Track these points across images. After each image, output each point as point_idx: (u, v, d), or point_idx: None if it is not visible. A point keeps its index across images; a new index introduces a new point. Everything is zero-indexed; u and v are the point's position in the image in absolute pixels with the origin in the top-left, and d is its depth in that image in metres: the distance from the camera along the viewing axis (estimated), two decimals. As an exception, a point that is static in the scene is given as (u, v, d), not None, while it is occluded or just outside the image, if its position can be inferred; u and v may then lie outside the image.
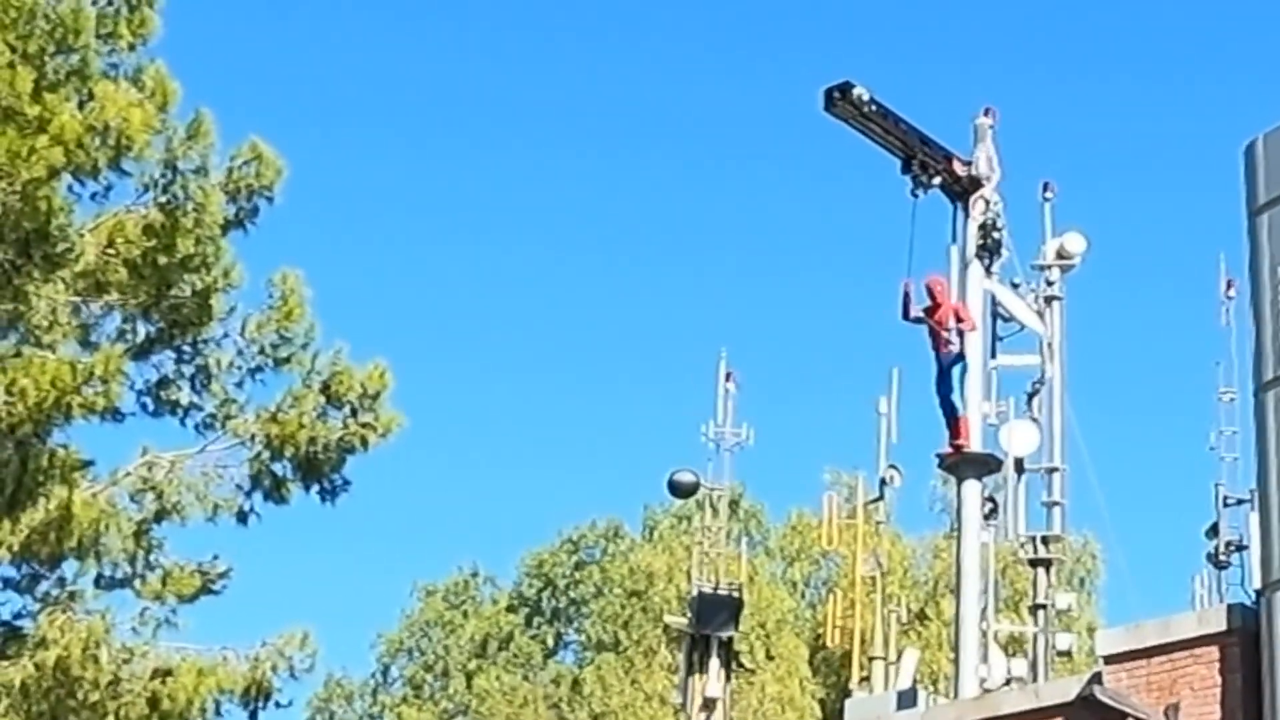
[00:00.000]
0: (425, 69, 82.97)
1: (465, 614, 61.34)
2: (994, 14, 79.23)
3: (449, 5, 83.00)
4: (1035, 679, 22.26)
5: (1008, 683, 21.80)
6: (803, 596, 51.16)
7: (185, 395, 26.03)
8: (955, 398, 22.17)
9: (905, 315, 22.40)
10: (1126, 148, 76.72)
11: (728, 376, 31.10)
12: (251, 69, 77.55)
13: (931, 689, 29.31)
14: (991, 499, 22.77)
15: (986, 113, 23.72)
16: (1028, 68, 76.51)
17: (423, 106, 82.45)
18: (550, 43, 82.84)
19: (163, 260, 24.43)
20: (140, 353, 25.56)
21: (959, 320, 22.31)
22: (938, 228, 23.43)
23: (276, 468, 25.80)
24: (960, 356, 22.20)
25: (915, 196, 22.85)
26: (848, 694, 28.68)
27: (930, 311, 22.30)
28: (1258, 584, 18.45)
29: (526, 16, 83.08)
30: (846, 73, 22.40)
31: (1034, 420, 23.18)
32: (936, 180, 22.88)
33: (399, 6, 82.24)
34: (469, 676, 58.56)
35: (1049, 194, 24.39)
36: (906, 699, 22.15)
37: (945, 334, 22.23)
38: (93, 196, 24.56)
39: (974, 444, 22.27)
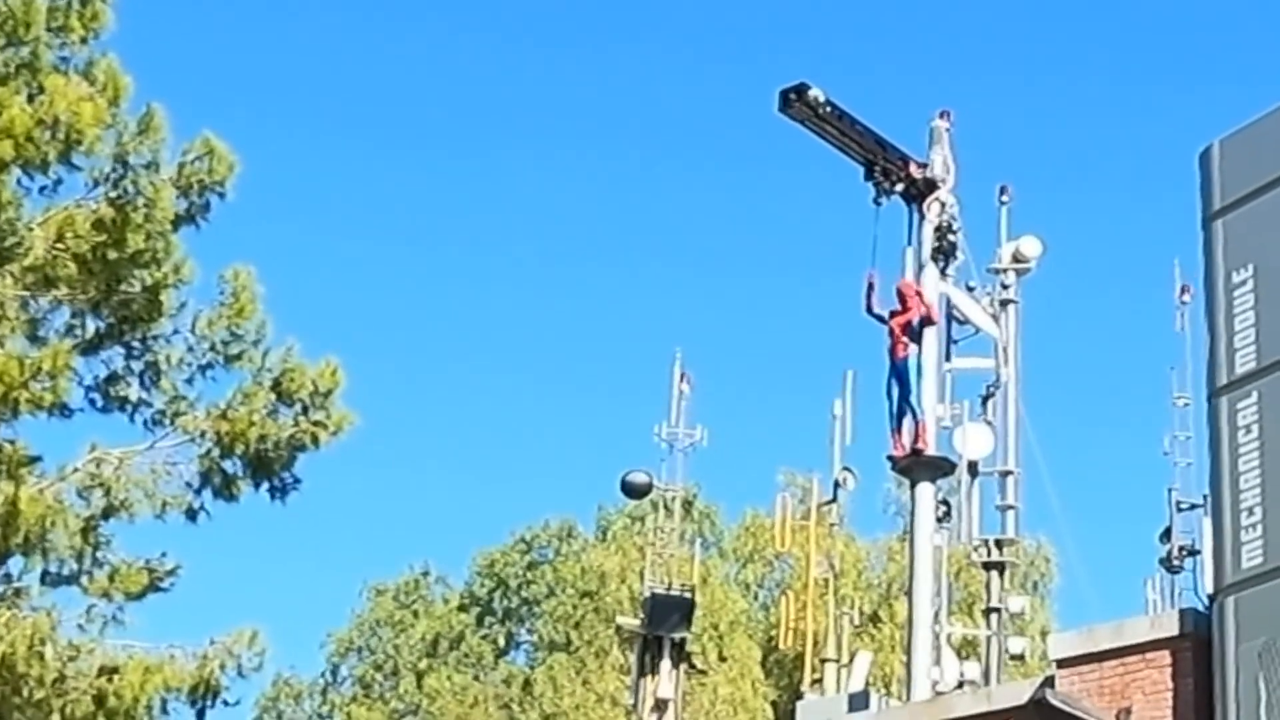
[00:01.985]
0: (378, 63, 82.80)
1: (416, 613, 61.16)
2: (951, 16, 79.40)
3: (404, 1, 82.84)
4: (988, 682, 22.25)
5: (960, 686, 21.78)
6: (756, 598, 51.12)
7: (134, 391, 25.86)
8: (914, 401, 22.15)
9: (868, 308, 22.40)
10: (1083, 152, 76.96)
11: (682, 377, 31.01)
12: (204, 63, 77.27)
13: (884, 691, 29.32)
14: (945, 502, 22.76)
15: (943, 115, 23.71)
16: (985, 71, 76.70)
17: (376, 102, 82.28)
18: (503, 41, 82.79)
19: (113, 255, 24.28)
20: (89, 348, 25.38)
21: (927, 322, 22.30)
22: (893, 230, 23.43)
23: (227, 465, 25.64)
24: (918, 362, 22.20)
25: (878, 204, 22.89)
26: (800, 696, 28.60)
27: (895, 314, 22.29)
28: (1210, 589, 18.47)
29: (479, 12, 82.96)
30: (802, 74, 22.41)
31: (988, 423, 23.18)
32: (899, 187, 22.88)
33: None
34: (419, 676, 58.38)
35: (1005, 197, 24.38)
36: (859, 701, 22.14)
37: (903, 339, 22.24)
38: (42, 190, 24.46)
39: (928, 446, 22.25)
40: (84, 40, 24.54)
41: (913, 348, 22.38)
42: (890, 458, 22.59)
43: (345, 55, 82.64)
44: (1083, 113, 78.62)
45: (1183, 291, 26.25)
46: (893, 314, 22.39)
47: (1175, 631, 18.09)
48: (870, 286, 22.39)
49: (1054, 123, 77.33)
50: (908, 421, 22.23)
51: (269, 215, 67.93)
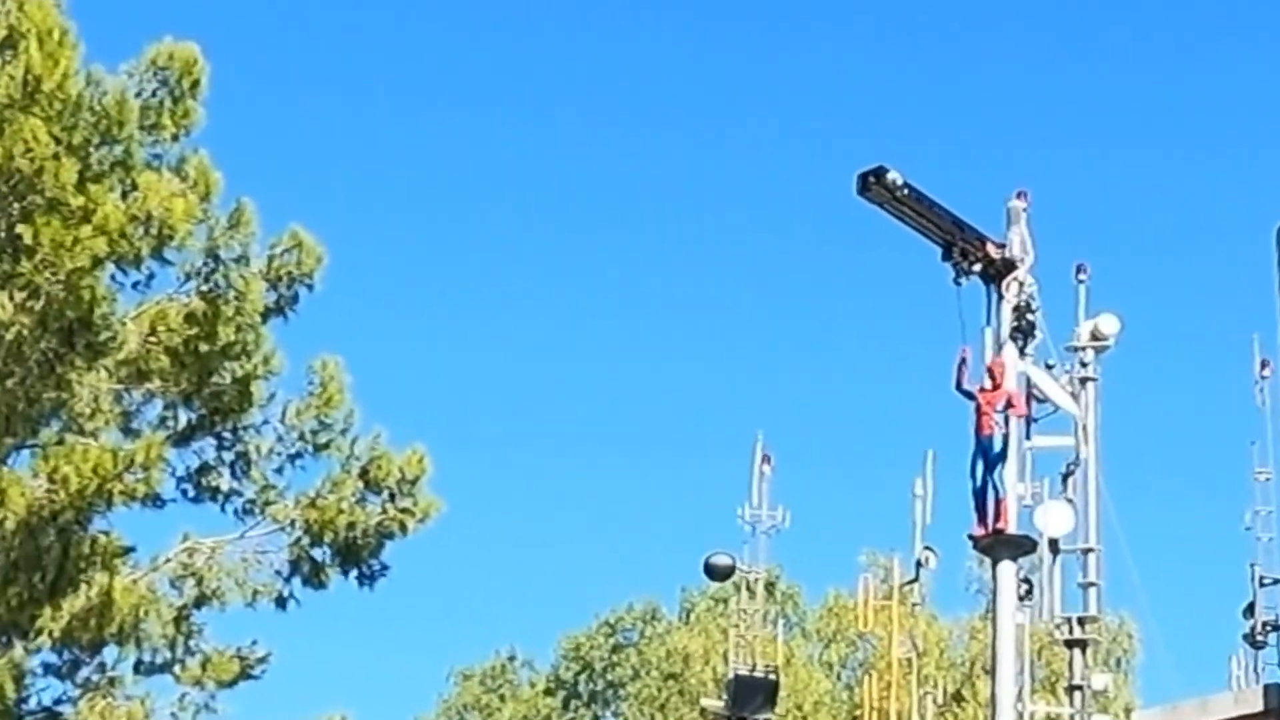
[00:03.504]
0: (460, 154, 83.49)
1: (503, 697, 61.30)
2: (1025, 97, 79.55)
3: (487, 89, 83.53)
4: (1073, 760, 22.25)
5: (1045, 763, 21.80)
6: (839, 678, 51.02)
7: (225, 481, 26.27)
8: (996, 477, 22.28)
9: (958, 385, 22.55)
10: (1159, 228, 76.78)
11: (764, 459, 31.21)
12: (291, 155, 78.12)
13: (969, 770, 29.30)
14: (1027, 580, 22.79)
15: (1019, 195, 23.86)
16: (1059, 150, 76.68)
17: (460, 191, 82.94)
18: (586, 123, 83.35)
19: (204, 348, 24.70)
20: (181, 439, 25.80)
21: (1010, 406, 22.44)
22: (972, 310, 23.58)
23: (315, 553, 25.99)
24: (1005, 440, 22.31)
25: (958, 284, 22.97)
26: (886, 776, 28.66)
27: (984, 391, 22.45)
28: (1294, 664, 18.52)
29: (560, 96, 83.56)
30: (880, 156, 22.57)
31: (1069, 501, 23.23)
32: (977, 267, 23.00)
33: (439, 91, 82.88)
34: (507, 760, 58.52)
35: (1082, 275, 24.49)
36: (945, 780, 22.15)
37: (991, 416, 22.36)
38: (135, 285, 24.95)
39: (1009, 524, 22.35)
40: (175, 137, 25.06)
41: (999, 425, 22.51)
42: (971, 537, 22.70)
43: (433, 142, 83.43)
44: (1158, 189, 78.54)
45: (1262, 366, 26.31)
46: (981, 390, 22.54)
47: (1260, 707, 18.17)
48: (963, 362, 22.55)
49: (1130, 199, 77.29)
50: (990, 498, 22.34)
51: (355, 304, 68.57)
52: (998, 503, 22.17)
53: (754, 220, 79.51)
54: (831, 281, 76.80)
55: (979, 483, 22.32)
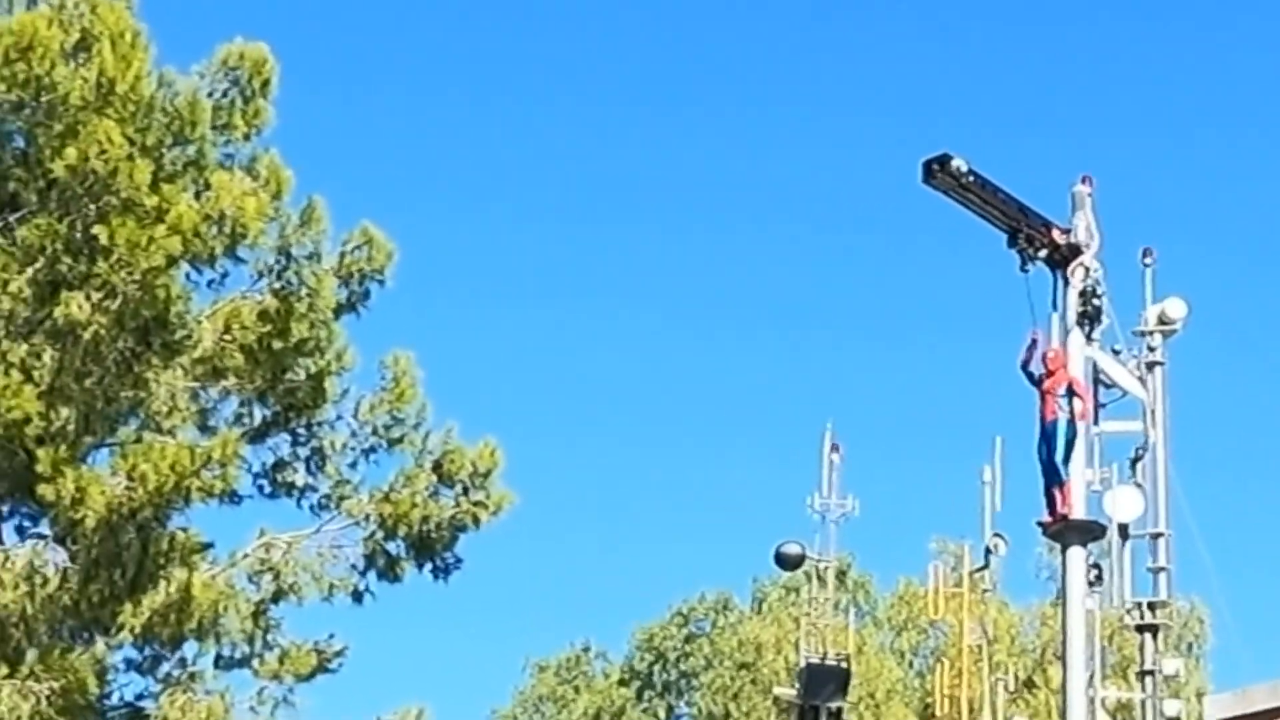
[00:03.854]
0: (532, 146, 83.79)
1: (577, 689, 61.59)
2: (1089, 80, 79.31)
3: (553, 81, 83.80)
4: (1144, 745, 22.30)
5: (1117, 748, 21.85)
6: (911, 666, 51.12)
7: (301, 477, 26.49)
8: (1059, 462, 22.34)
9: (1025, 364, 22.64)
10: (1226, 211, 76.51)
11: (834, 448, 31.31)
12: (361, 152, 78.52)
13: (1041, 756, 29.35)
14: (1097, 565, 22.84)
15: (1084, 180, 23.88)
16: (1124, 133, 76.48)
17: (531, 184, 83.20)
18: (656, 114, 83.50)
19: (278, 345, 24.90)
20: (257, 436, 26.04)
21: (1073, 393, 22.49)
22: (1038, 296, 23.63)
23: (390, 547, 26.18)
24: (1071, 424, 22.37)
25: (1025, 271, 23.02)
26: (958, 762, 28.74)
27: (1045, 378, 22.52)
28: (1365, 646, 18.53)
29: (627, 88, 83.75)
30: (944, 143, 22.65)
31: (1138, 486, 23.25)
32: (1043, 253, 23.05)
33: (505, 81, 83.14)
34: (582, 751, 58.80)
35: (1148, 259, 24.49)
36: (1017, 766, 22.23)
37: (1055, 400, 22.43)
38: (209, 284, 25.22)
39: (1078, 511, 22.41)
40: (247, 137, 25.29)
41: (1063, 411, 22.56)
42: (1040, 523, 22.77)
43: (502, 133, 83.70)
44: (1224, 171, 78.23)
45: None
46: (1043, 378, 22.62)
47: (1331, 689, 18.16)
48: (1033, 343, 22.62)
49: (1196, 183, 77.03)
50: (1055, 484, 22.40)
51: (426, 297, 68.92)
52: (1061, 487, 22.25)
53: (822, 210, 79.58)
54: (899, 271, 76.89)
55: (1045, 468, 22.40)
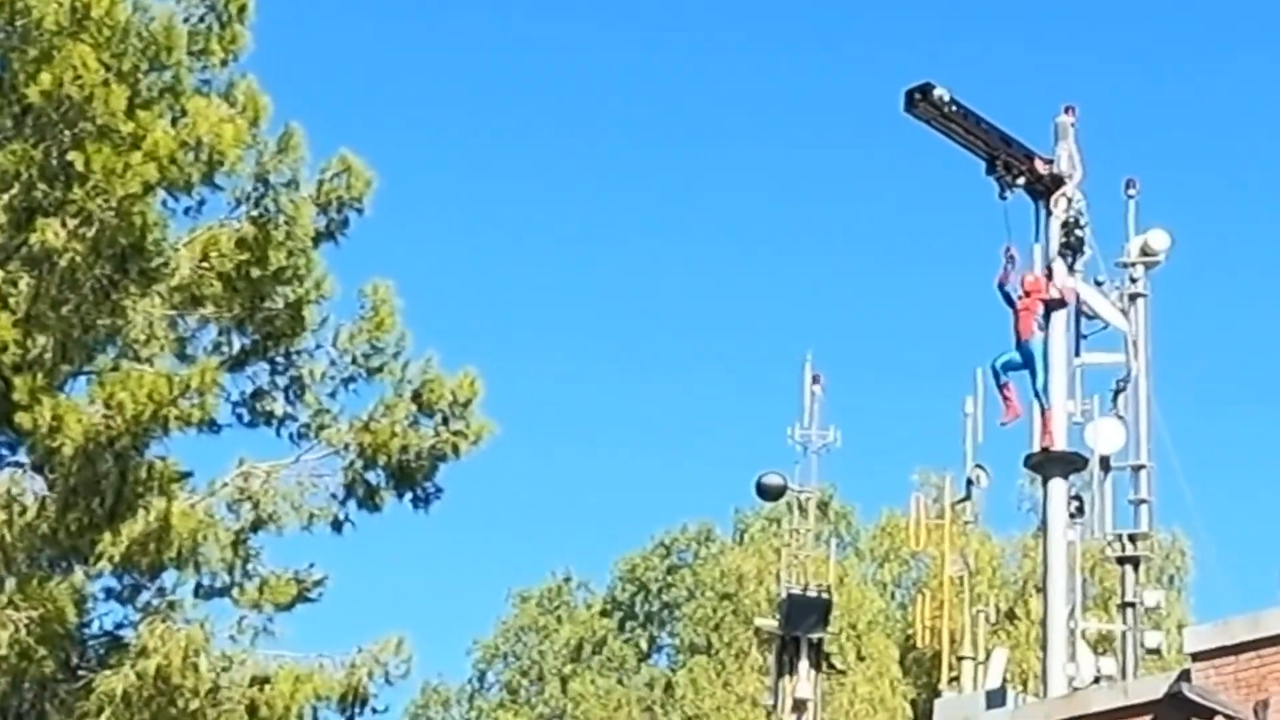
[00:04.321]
0: (509, 71, 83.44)
1: (559, 619, 61.69)
2: (1073, 8, 79.02)
3: (536, 7, 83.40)
4: (1124, 677, 22.32)
5: (1096, 681, 21.87)
6: (893, 597, 51.20)
7: (280, 406, 26.41)
8: (1039, 388, 22.43)
9: (1002, 281, 22.66)
10: (1210, 142, 76.38)
11: (814, 379, 31.25)
12: (339, 80, 78.18)
13: (1021, 688, 29.43)
14: (1078, 497, 22.88)
15: (1067, 110, 23.84)
16: (1108, 64, 76.28)
17: (509, 110, 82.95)
18: (635, 34, 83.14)
19: (256, 273, 24.80)
20: (235, 365, 25.94)
21: (1059, 304, 22.58)
22: (1020, 226, 23.56)
23: (370, 476, 26.11)
24: (1045, 348, 22.48)
25: (1003, 199, 23.02)
26: (938, 694, 28.76)
27: (1023, 297, 22.63)
28: (1346, 578, 18.49)
29: (607, 5, 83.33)
30: (927, 70, 22.61)
31: (1119, 418, 23.27)
32: (1021, 181, 23.02)
33: (483, 5, 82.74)
34: (564, 681, 58.89)
35: (1132, 191, 24.44)
36: (996, 698, 22.26)
37: (1032, 318, 22.51)
38: (186, 211, 25.09)
39: (1059, 442, 22.41)
40: (224, 63, 25.14)
41: (1038, 332, 22.59)
42: (1003, 422, 22.89)
43: (471, 60, 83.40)
44: (1208, 102, 78.03)
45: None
46: (1020, 298, 22.68)
47: (1311, 621, 18.10)
48: (1010, 259, 22.64)
49: (1179, 113, 76.88)
50: (1036, 411, 22.48)
51: (405, 226, 68.75)
52: (1044, 413, 22.27)
53: (803, 138, 79.31)
54: (881, 198, 76.67)
55: (999, 377, 22.53)
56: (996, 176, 22.90)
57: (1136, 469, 23.34)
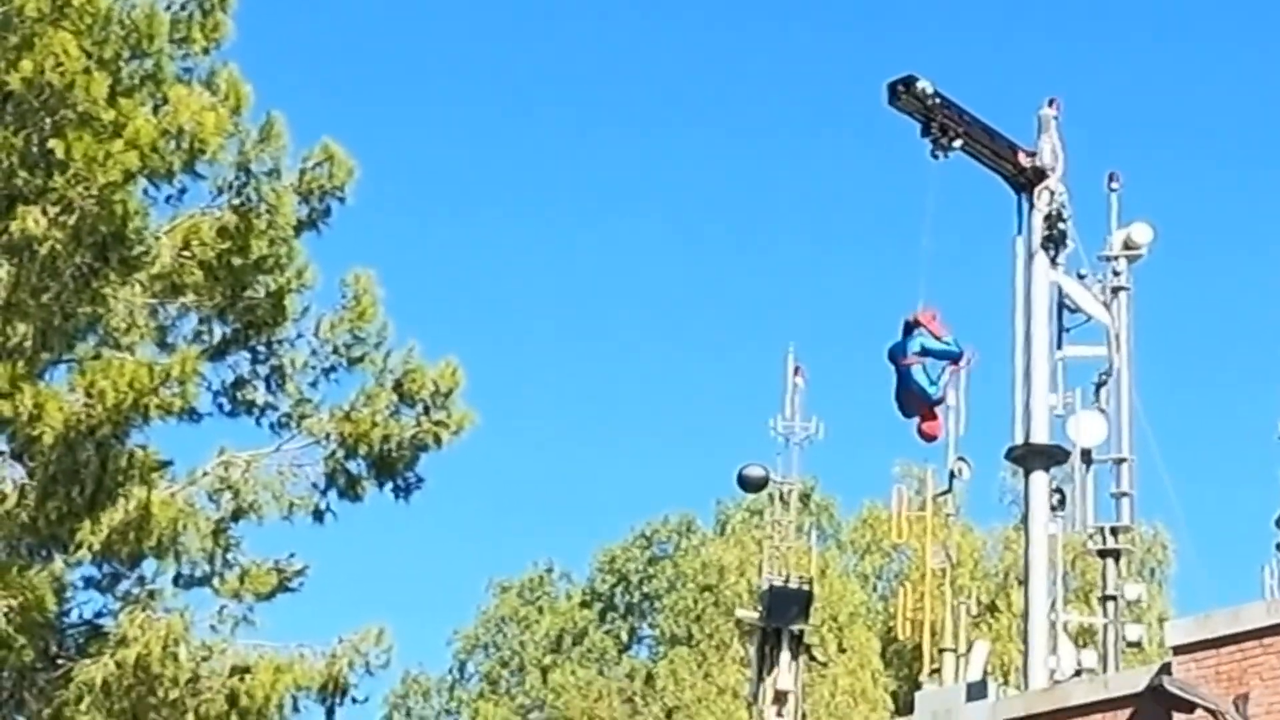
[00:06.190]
0: (492, 59, 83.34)
1: (540, 610, 61.69)
2: (1056, 1, 79.04)
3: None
4: (1105, 670, 22.33)
5: (1077, 674, 21.88)
6: (874, 589, 51.25)
7: (260, 395, 26.37)
8: (924, 390, 22.69)
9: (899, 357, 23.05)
10: (1193, 136, 76.45)
11: (796, 370, 31.25)
12: (322, 68, 78.04)
13: (1001, 680, 29.39)
14: (1059, 490, 22.88)
15: (1050, 103, 23.83)
16: (1091, 57, 76.32)
17: (491, 98, 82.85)
18: (612, 29, 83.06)
19: (237, 262, 24.75)
20: (216, 353, 25.90)
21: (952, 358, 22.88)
22: (1003, 219, 23.56)
23: (351, 466, 26.10)
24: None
25: (935, 158, 22.87)
26: (919, 686, 28.77)
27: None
28: (1327, 573, 18.51)
29: (581, 1, 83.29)
30: (910, 62, 22.59)
31: (1101, 411, 23.25)
32: (958, 143, 22.86)
33: None
34: (544, 671, 58.90)
35: (1115, 184, 24.41)
36: (977, 690, 22.28)
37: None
38: (168, 199, 25.01)
39: (1041, 435, 22.41)
40: (205, 51, 25.06)
41: (918, 361, 22.94)
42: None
43: (453, 48, 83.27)
44: (1190, 95, 78.11)
45: (1296, 276, 26.26)
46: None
47: (1292, 616, 18.12)
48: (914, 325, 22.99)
49: (1162, 107, 76.94)
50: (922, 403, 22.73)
51: (386, 215, 68.61)
52: (930, 407, 22.50)
53: (786, 130, 79.31)
54: (864, 191, 76.67)
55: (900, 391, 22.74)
56: (931, 137, 22.74)
57: (1118, 462, 23.33)
